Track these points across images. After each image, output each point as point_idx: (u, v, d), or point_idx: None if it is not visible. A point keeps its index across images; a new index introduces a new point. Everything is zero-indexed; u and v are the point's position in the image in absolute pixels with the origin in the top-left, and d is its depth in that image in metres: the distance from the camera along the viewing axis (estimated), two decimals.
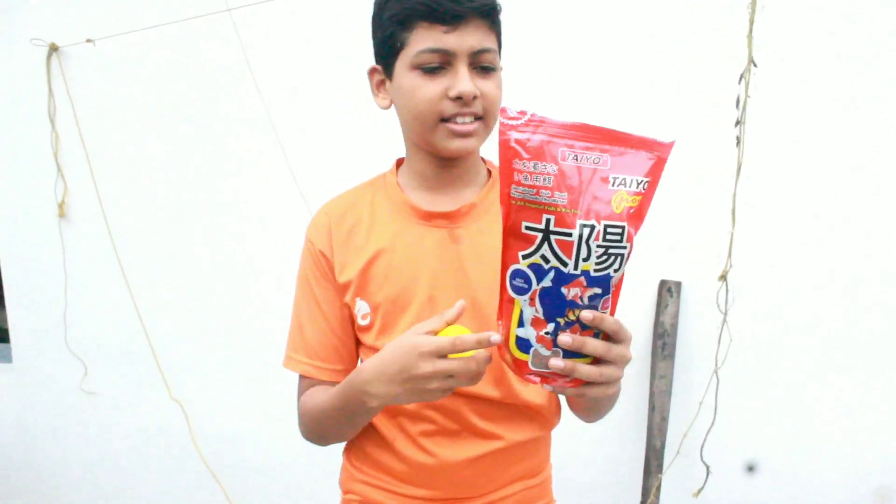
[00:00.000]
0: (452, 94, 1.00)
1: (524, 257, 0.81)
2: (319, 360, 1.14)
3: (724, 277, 1.98)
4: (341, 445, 1.24)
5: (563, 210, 0.78)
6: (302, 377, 1.17)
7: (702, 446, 2.14)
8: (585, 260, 0.80)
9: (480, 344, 0.87)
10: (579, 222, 0.78)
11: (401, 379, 0.91)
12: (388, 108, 1.11)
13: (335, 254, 1.13)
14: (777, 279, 2.16)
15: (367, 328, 1.12)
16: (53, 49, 2.46)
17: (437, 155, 1.08)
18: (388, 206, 1.14)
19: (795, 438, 2.24)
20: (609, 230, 0.79)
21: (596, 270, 0.80)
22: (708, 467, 2.14)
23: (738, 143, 1.91)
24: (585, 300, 0.81)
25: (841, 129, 2.08)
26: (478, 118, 1.03)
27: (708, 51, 2.10)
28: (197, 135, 2.41)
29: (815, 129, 2.10)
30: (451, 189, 1.13)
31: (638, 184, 0.81)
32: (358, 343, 1.17)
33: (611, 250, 0.80)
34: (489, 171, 1.19)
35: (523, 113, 0.80)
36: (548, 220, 0.79)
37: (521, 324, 0.84)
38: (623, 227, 0.80)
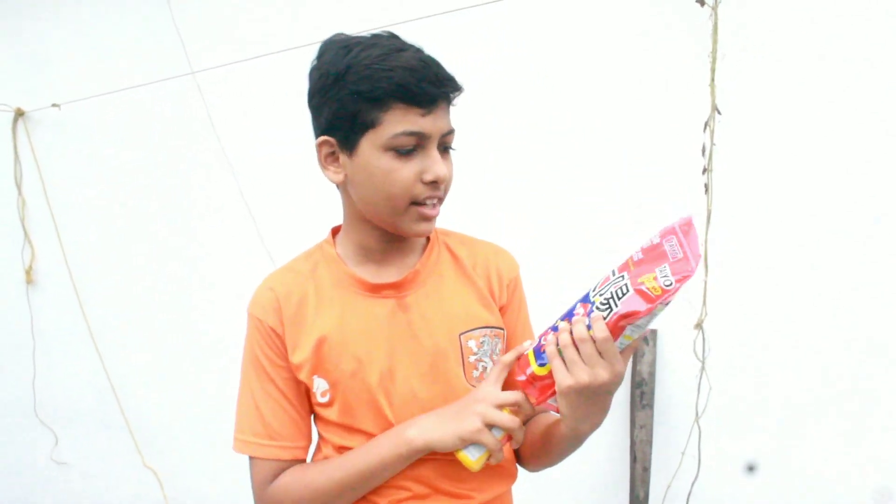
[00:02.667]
0: (428, 178, 0.99)
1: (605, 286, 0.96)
2: (284, 440, 1.10)
3: (699, 326, 1.96)
4: None
5: (629, 262, 0.93)
6: (261, 460, 1.12)
7: (688, 497, 2.10)
8: (601, 295, 0.92)
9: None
10: (623, 272, 0.92)
11: (450, 415, 1.02)
12: (341, 182, 1.08)
13: (286, 332, 1.10)
14: (753, 325, 2.14)
15: (328, 405, 1.10)
16: (19, 114, 2.45)
17: (394, 233, 1.07)
18: (331, 280, 1.11)
19: (784, 487, 2.20)
20: (622, 287, 0.91)
21: (596, 308, 0.92)
22: None
23: (706, 190, 1.91)
24: (574, 318, 0.94)
25: (809, 174, 2.09)
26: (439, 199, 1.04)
27: (672, 100, 2.11)
28: (164, 197, 2.39)
29: (783, 175, 2.10)
30: (396, 259, 1.12)
31: (664, 280, 0.88)
32: (311, 415, 1.15)
33: (610, 301, 0.91)
34: (427, 237, 1.17)
35: (690, 216, 0.94)
36: (618, 269, 0.95)
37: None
38: (629, 291, 0.90)
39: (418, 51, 1.01)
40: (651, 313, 0.88)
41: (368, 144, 1.00)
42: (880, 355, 2.11)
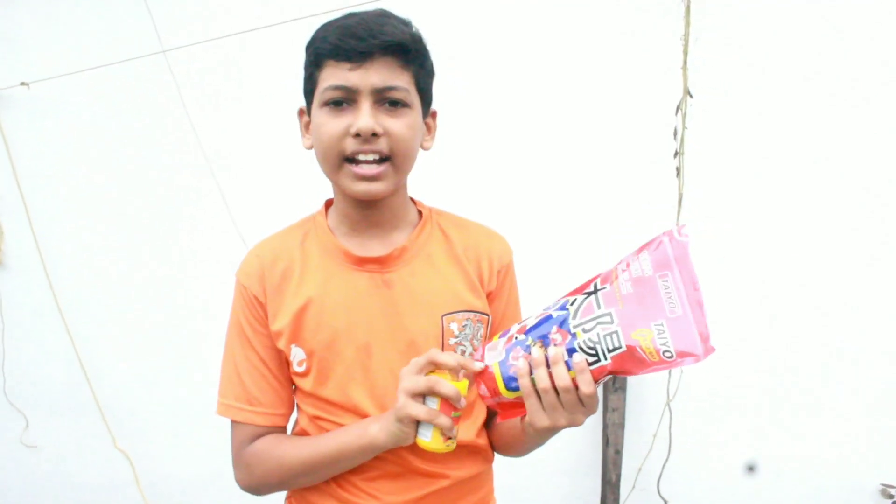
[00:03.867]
0: (352, 130, 0.99)
1: (571, 294, 0.92)
2: (261, 406, 1.12)
3: None
4: (280, 495, 1.20)
5: (616, 294, 0.86)
6: (240, 424, 1.13)
7: (658, 480, 2.12)
8: (585, 331, 0.86)
9: (463, 365, 0.94)
10: (610, 309, 0.85)
11: (392, 408, 0.98)
12: (310, 148, 1.10)
13: (268, 300, 1.10)
14: (724, 308, 2.16)
15: (304, 374, 1.10)
16: None
17: (351, 197, 1.07)
18: (319, 249, 1.12)
19: (755, 470, 2.23)
20: (613, 336, 0.84)
21: (579, 346, 0.86)
22: (666, 501, 2.12)
23: (677, 173, 1.92)
24: (552, 350, 0.88)
25: (780, 158, 2.10)
26: (384, 159, 1.02)
27: (644, 84, 2.11)
28: (136, 177, 2.36)
29: (756, 158, 2.11)
30: (380, 232, 1.12)
31: (663, 346, 0.83)
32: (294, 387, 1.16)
33: (598, 347, 0.85)
34: (420, 213, 1.18)
35: (687, 240, 0.87)
36: (603, 288, 0.88)
37: (520, 322, 0.95)
38: (621, 346, 0.84)
39: (377, 15, 1.01)
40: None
41: (315, 106, 1.04)
42: (855, 342, 2.13)
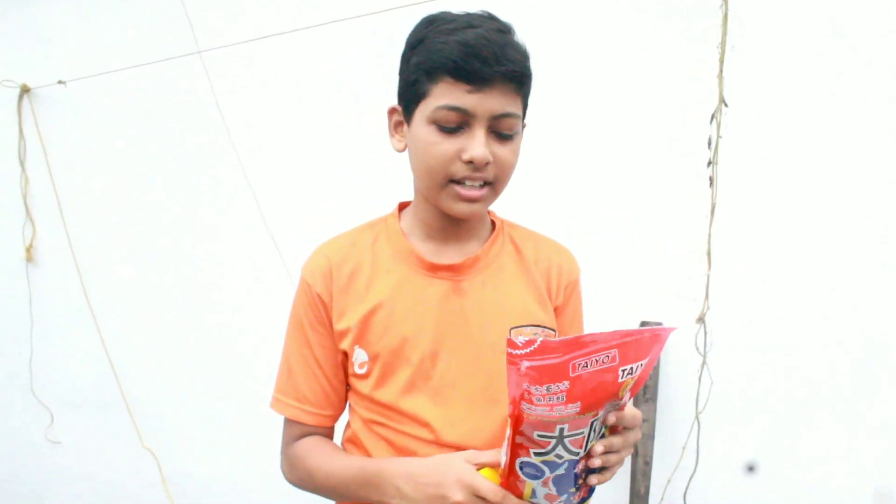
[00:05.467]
0: (465, 157, 0.97)
1: (536, 454, 0.83)
2: (309, 405, 1.12)
3: (701, 320, 1.94)
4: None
5: (576, 416, 0.80)
6: (290, 420, 1.14)
7: (685, 492, 2.09)
8: (593, 439, 0.85)
9: None
10: (591, 420, 0.81)
11: (428, 493, 0.93)
12: (402, 151, 1.09)
13: (334, 300, 1.09)
14: (755, 319, 2.13)
15: (364, 377, 1.10)
16: (25, 90, 2.44)
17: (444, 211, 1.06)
18: (390, 252, 1.11)
19: (783, 484, 2.18)
20: (606, 413, 0.85)
21: (597, 437, 0.86)
22: None
23: (711, 183, 1.89)
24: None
25: (814, 168, 2.07)
26: (487, 183, 1.01)
27: (679, 92, 2.09)
28: (169, 177, 2.38)
29: (789, 169, 2.08)
30: (456, 241, 1.12)
31: (641, 366, 0.82)
32: (347, 387, 1.15)
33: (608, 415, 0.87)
34: (493, 222, 1.18)
35: (531, 342, 0.77)
36: (561, 429, 0.80)
37: (533, 495, 0.87)
38: (624, 402, 0.87)
39: (496, 31, 0.97)
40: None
41: (419, 115, 1.01)
42: (883, 352, 2.09)
